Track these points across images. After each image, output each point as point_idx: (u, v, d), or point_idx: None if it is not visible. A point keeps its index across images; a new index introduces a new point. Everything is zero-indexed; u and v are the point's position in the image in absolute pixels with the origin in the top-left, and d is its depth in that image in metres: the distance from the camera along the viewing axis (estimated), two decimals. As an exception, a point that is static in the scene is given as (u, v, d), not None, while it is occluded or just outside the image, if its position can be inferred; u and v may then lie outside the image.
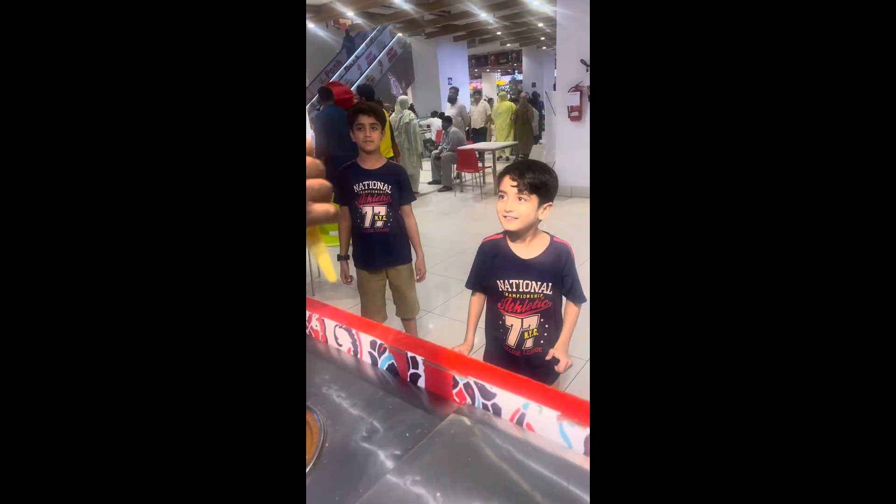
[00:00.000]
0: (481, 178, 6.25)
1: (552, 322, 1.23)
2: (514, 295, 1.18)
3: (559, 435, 0.61)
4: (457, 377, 0.72)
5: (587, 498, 0.53)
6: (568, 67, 4.78)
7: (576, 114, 4.84)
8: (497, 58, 16.61)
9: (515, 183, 1.09)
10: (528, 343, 1.22)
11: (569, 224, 4.29)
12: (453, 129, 6.47)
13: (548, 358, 1.16)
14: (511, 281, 1.18)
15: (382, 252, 1.99)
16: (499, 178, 1.17)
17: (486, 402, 0.69)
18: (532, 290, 1.18)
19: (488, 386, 0.68)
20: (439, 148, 6.54)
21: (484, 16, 9.68)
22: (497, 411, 0.68)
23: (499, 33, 12.54)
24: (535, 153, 5.83)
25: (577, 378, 2.06)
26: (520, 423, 0.66)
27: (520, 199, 1.09)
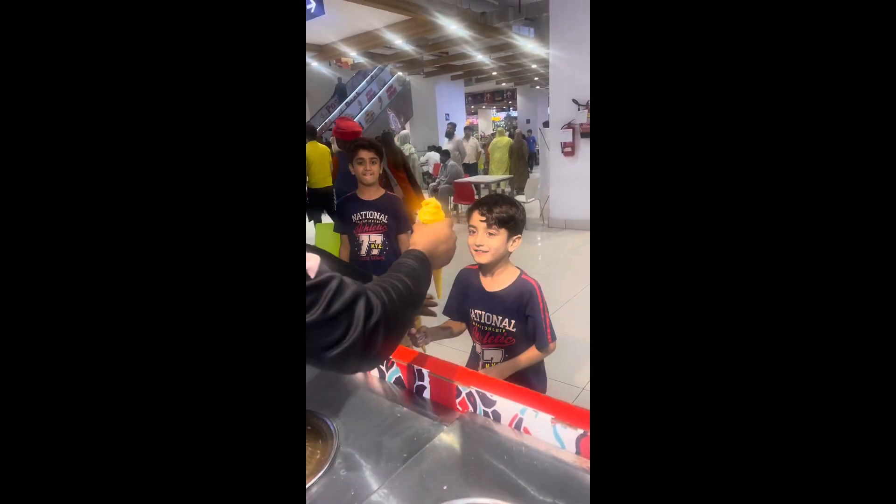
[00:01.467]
0: (478, 210, 6.37)
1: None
2: (479, 325, 1.21)
3: (553, 436, 0.68)
4: (460, 387, 0.79)
5: (579, 491, 0.59)
6: (561, 106, 5.02)
7: (569, 149, 5.05)
8: (493, 95, 17.27)
9: (484, 218, 1.13)
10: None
11: (564, 254, 4.39)
12: (451, 162, 6.70)
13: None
14: (477, 311, 1.21)
15: None
16: (468, 213, 1.19)
17: (486, 409, 0.76)
18: (495, 324, 1.19)
19: (489, 394, 0.75)
20: (437, 180, 6.73)
21: (480, 57, 10.18)
22: (497, 417, 0.75)
23: (494, 73, 13.11)
24: (530, 186, 6.00)
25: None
26: (518, 427, 0.72)
27: (489, 233, 1.13)
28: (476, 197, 6.04)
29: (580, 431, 0.65)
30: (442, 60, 10.80)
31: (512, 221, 1.14)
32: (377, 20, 6.94)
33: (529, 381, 1.20)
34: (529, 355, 1.18)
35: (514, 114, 17.20)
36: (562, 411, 0.69)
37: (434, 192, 6.70)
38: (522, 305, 1.16)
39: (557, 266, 4.06)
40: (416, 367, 0.85)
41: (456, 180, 6.22)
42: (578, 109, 4.90)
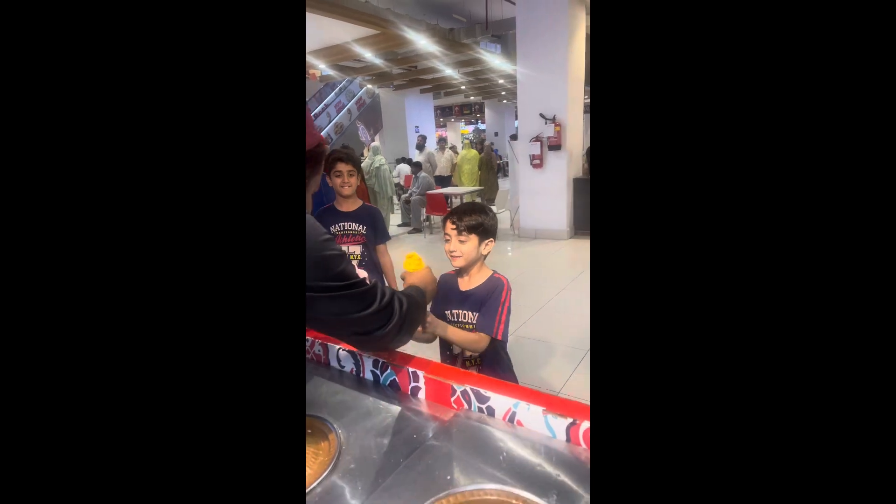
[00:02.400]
0: (449, 221, 6.47)
1: (493, 355, 1.28)
2: (454, 324, 1.27)
3: (545, 427, 0.73)
4: (454, 386, 0.83)
5: (570, 476, 0.64)
6: (528, 120, 5.21)
7: (537, 161, 5.22)
8: (461, 108, 17.57)
9: (455, 226, 1.23)
10: (473, 371, 1.30)
11: (535, 263, 4.52)
12: (423, 174, 6.77)
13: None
14: (453, 311, 1.29)
15: None
16: (442, 223, 1.29)
17: (481, 405, 0.80)
18: (468, 321, 1.26)
19: (483, 391, 0.80)
20: (409, 192, 6.78)
21: (449, 71, 10.39)
22: (491, 412, 0.79)
23: (463, 87, 13.38)
24: (500, 198, 6.14)
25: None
26: (511, 420, 0.77)
27: (461, 240, 1.23)
28: (448, 208, 6.14)
29: (569, 420, 0.71)
30: (411, 74, 10.95)
31: (481, 227, 1.24)
32: (346, 34, 6.98)
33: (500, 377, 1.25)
34: (469, 335, 1.22)
35: (482, 126, 17.56)
36: (551, 403, 0.74)
37: (406, 203, 6.74)
38: (487, 297, 1.24)
39: (528, 275, 4.17)
40: (410, 369, 0.89)
41: (428, 192, 6.29)
42: (545, 123, 5.09)
